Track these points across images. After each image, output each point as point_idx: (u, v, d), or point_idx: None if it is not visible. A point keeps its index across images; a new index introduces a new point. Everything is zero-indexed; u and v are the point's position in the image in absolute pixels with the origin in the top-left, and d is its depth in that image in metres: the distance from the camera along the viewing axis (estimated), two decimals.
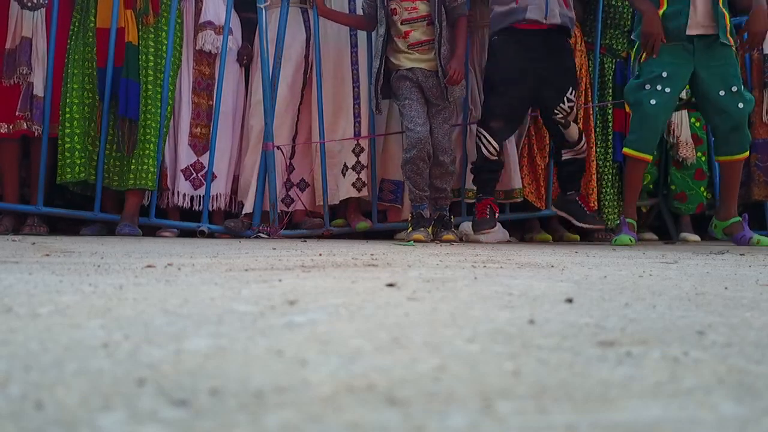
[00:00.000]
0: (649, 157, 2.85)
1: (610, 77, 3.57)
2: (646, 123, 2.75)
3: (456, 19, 3.03)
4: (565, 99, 2.91)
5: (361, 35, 3.34)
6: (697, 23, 2.71)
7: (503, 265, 1.48)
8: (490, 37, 3.06)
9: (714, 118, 2.80)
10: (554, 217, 3.55)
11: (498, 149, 2.96)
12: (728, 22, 2.72)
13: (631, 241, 2.81)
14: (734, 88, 2.71)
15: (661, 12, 2.76)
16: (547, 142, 3.40)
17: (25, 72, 3.03)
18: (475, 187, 3.13)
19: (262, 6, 3.21)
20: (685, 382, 0.47)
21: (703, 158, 3.76)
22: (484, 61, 3.33)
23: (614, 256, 2.01)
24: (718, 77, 2.72)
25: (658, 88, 2.73)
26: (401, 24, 3.00)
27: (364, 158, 3.34)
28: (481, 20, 3.36)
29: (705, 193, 3.80)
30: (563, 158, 3.06)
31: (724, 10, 2.69)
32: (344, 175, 3.35)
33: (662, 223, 3.85)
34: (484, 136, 2.95)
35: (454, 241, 2.92)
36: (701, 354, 0.56)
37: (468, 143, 3.35)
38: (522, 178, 3.39)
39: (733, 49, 2.74)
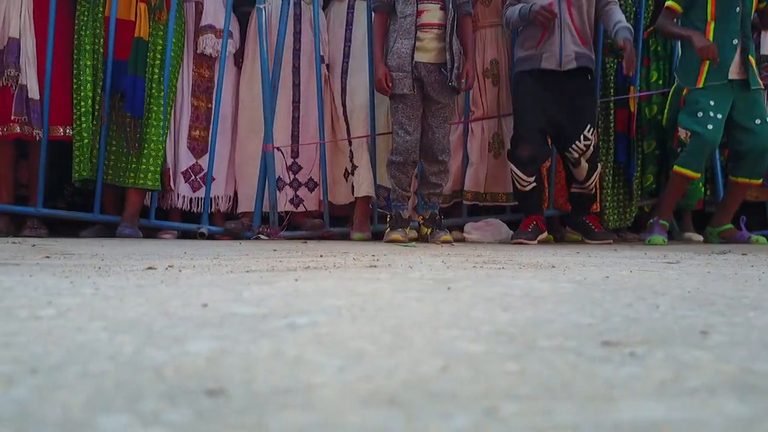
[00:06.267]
0: (699, 176, 3.21)
1: (612, 77, 3.57)
2: (705, 148, 3.12)
3: (461, 17, 2.93)
4: (582, 137, 3.02)
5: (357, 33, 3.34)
6: (734, 71, 3.18)
7: (505, 266, 1.48)
8: (515, 74, 3.17)
9: (747, 142, 3.19)
10: (556, 216, 3.54)
11: (529, 180, 3.03)
12: (755, 68, 3.20)
13: (664, 242, 3.07)
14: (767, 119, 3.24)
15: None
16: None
17: (13, 74, 2.98)
18: (473, 190, 3.36)
19: (261, 6, 3.21)
20: (689, 382, 0.47)
21: None
22: (486, 61, 3.34)
23: (616, 256, 2.01)
24: (752, 109, 3.17)
25: (711, 114, 3.12)
26: (418, 2, 2.86)
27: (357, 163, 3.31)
28: (483, 20, 3.35)
29: (705, 190, 3.80)
30: (571, 191, 3.24)
31: (751, 58, 3.17)
32: (346, 179, 3.35)
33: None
34: (513, 171, 3.06)
35: (451, 242, 2.90)
36: (704, 354, 0.56)
37: (469, 142, 3.35)
38: None
39: (762, 89, 3.24)
